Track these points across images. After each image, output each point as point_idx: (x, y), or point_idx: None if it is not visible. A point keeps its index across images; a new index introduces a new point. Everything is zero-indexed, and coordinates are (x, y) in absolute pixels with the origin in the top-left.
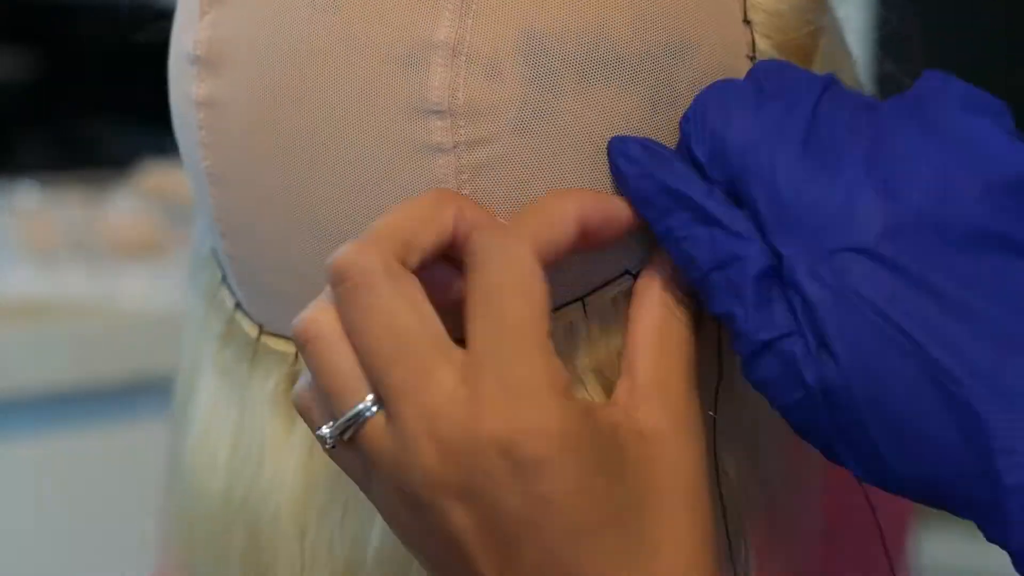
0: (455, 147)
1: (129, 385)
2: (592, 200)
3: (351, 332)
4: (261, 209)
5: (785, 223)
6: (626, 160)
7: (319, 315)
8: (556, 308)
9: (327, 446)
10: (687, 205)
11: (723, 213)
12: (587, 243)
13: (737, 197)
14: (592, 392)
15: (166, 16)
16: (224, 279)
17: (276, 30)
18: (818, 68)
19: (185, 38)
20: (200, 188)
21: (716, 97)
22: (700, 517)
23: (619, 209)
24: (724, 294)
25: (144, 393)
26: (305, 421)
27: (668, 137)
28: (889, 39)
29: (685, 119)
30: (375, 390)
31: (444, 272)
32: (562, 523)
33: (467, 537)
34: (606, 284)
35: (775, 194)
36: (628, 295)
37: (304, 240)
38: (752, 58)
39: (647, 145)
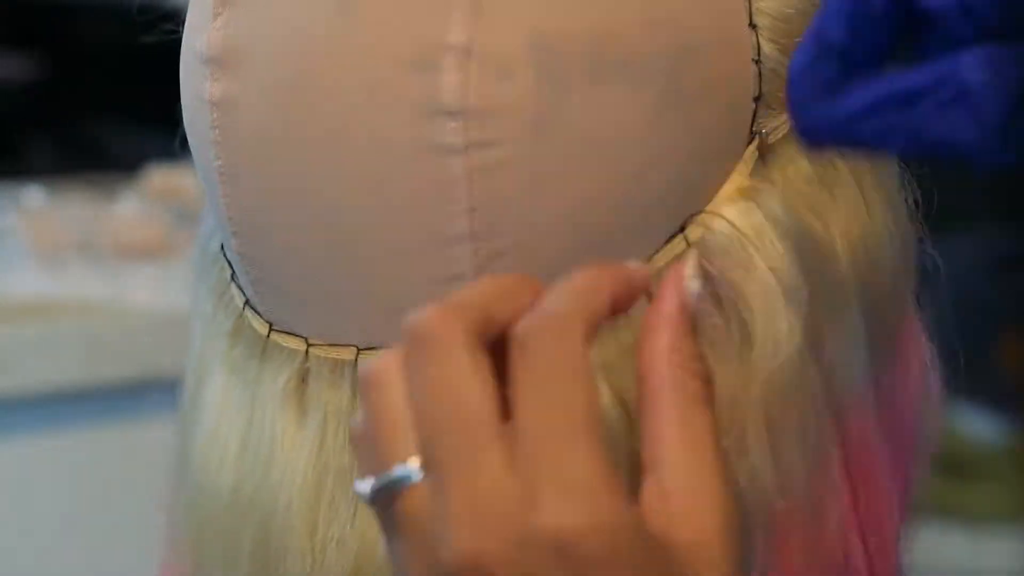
0: (467, 148)
1: (136, 385)
2: (619, 275)
3: (414, 395)
4: (274, 208)
5: None
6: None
7: (389, 365)
8: None
9: (363, 500)
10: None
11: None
12: (611, 316)
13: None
14: (600, 390)
15: (172, 18)
16: (233, 277)
17: (290, 31)
18: None
19: (197, 38)
20: (211, 187)
21: None
22: None
23: (641, 279)
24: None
25: (151, 392)
26: (354, 456)
27: (677, 139)
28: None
29: None
30: (423, 457)
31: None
32: None
33: None
34: None
35: None
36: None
37: (316, 239)
38: (757, 62)
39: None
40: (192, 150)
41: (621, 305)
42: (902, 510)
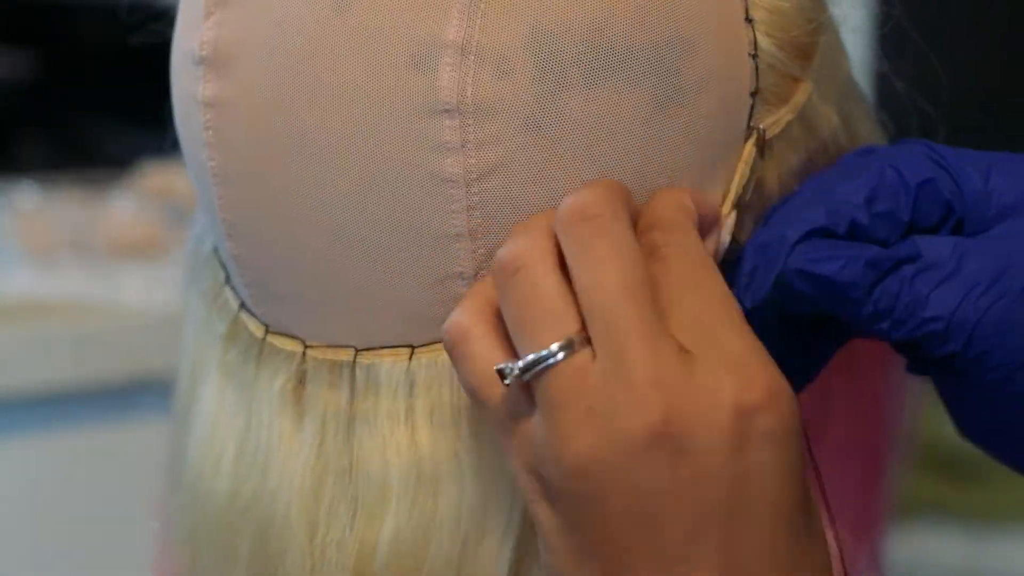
0: (464, 145)
1: (129, 384)
2: (698, 195)
3: (584, 269)
4: (269, 209)
5: None
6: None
7: (533, 246)
8: None
9: (505, 380)
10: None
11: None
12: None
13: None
14: None
15: (165, 16)
16: (228, 279)
17: (284, 30)
18: (816, 66)
19: (189, 39)
20: (204, 188)
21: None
22: None
23: (712, 205)
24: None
25: (144, 392)
26: (456, 354)
27: (675, 134)
28: (888, 38)
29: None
30: (586, 330)
31: None
32: (774, 504)
33: (667, 498)
34: None
35: None
36: None
37: (313, 240)
38: (754, 56)
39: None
40: (184, 151)
41: (703, 232)
42: (878, 514)
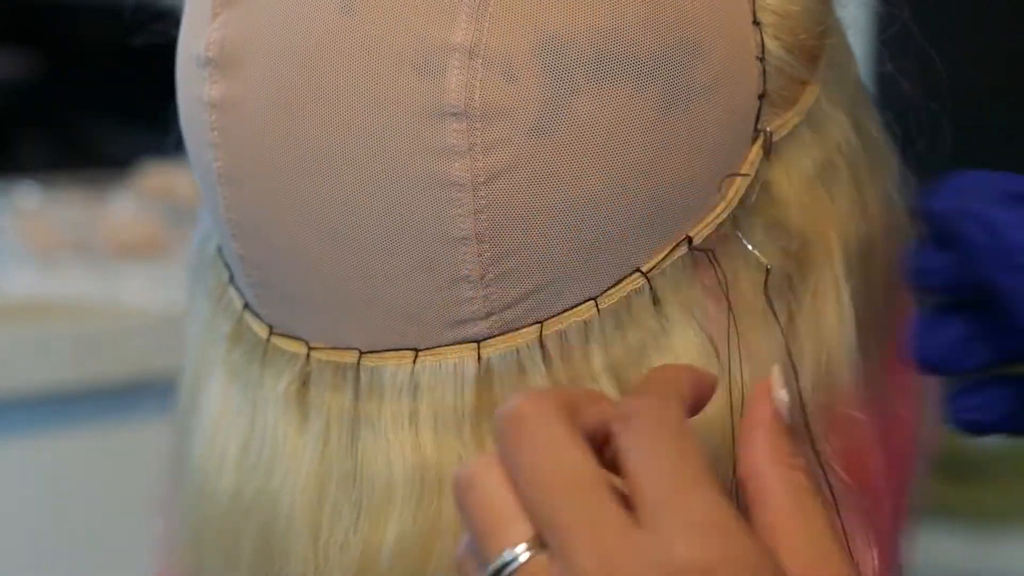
0: (471, 149)
1: (130, 384)
2: (692, 374)
3: (519, 472)
4: (274, 210)
5: None
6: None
7: (477, 463)
8: (568, 308)
9: None
10: None
11: None
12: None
13: None
14: (607, 391)
15: (167, 16)
16: (232, 280)
17: (290, 32)
18: (824, 68)
19: (195, 40)
20: (209, 189)
21: None
22: None
23: (709, 378)
24: None
25: (145, 392)
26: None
27: (682, 137)
28: (891, 39)
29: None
30: (539, 531)
31: None
32: None
33: None
34: (618, 282)
35: None
36: (640, 292)
37: (318, 241)
38: (761, 59)
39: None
40: (189, 152)
41: (699, 403)
42: (901, 514)
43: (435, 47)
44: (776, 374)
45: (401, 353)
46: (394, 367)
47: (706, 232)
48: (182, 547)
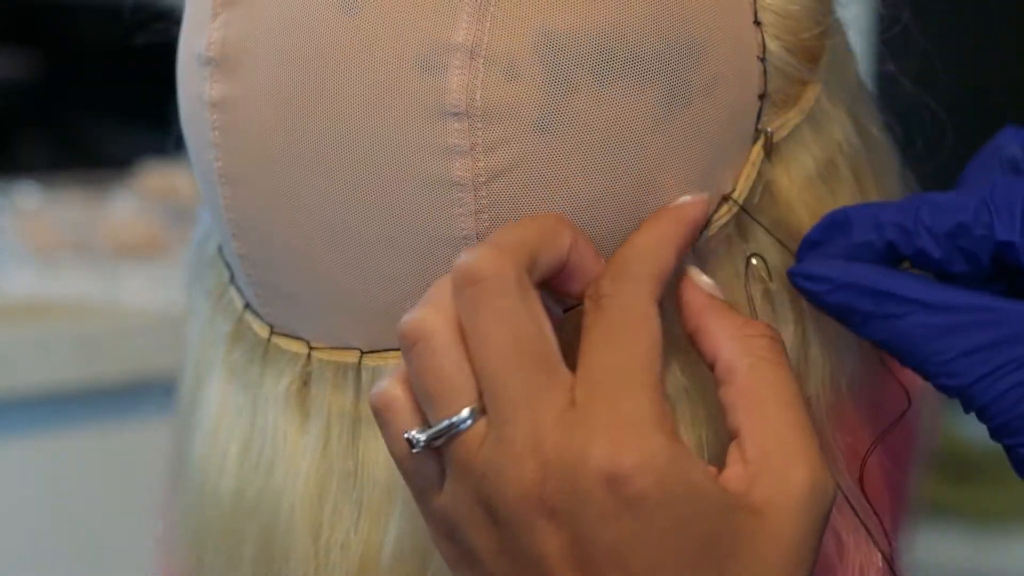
0: (472, 149)
1: (130, 384)
2: (679, 215)
3: (472, 335)
4: (276, 210)
5: None
6: (812, 281)
7: (433, 315)
8: (570, 308)
9: (413, 449)
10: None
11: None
12: (685, 250)
13: None
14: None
15: (167, 16)
16: (232, 279)
17: (292, 32)
18: (825, 68)
19: (196, 39)
20: (210, 188)
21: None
22: None
23: (699, 207)
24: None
25: (145, 392)
26: (380, 421)
27: (683, 137)
28: (893, 39)
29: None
30: (482, 398)
31: (543, 296)
32: (649, 563)
33: (549, 560)
34: None
35: None
36: None
37: (319, 241)
38: (762, 59)
39: (827, 260)
40: (190, 151)
41: (690, 240)
42: (901, 514)
43: (436, 47)
44: (691, 270)
45: (401, 353)
46: (395, 367)
47: (708, 233)
48: (182, 547)
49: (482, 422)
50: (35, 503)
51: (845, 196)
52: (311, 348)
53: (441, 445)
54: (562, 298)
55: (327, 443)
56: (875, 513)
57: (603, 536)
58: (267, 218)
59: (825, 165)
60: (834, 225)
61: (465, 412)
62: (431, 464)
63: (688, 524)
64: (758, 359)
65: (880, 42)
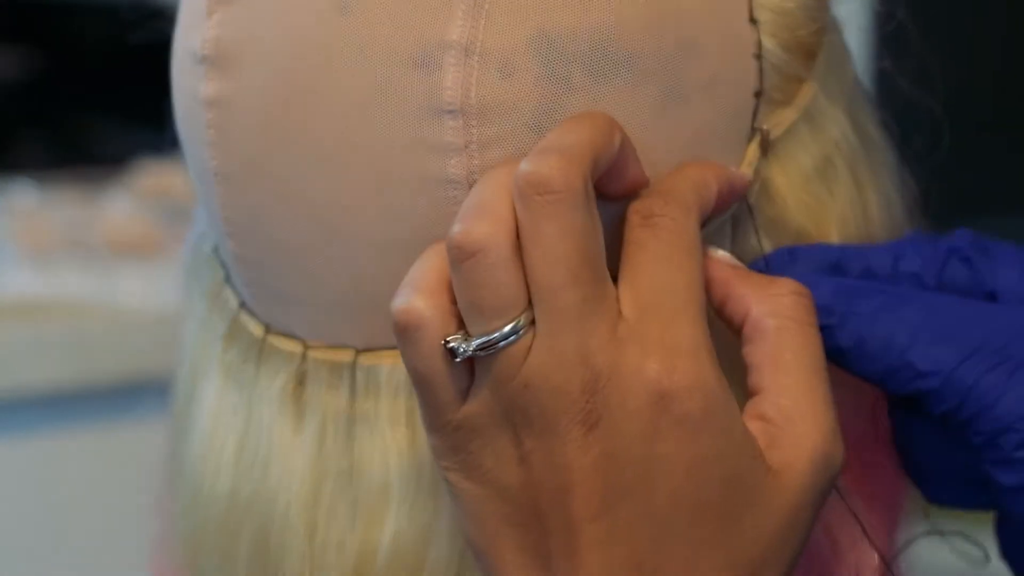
0: (467, 146)
1: (127, 384)
2: (725, 173)
3: (535, 246)
4: (271, 209)
5: None
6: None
7: (493, 228)
8: None
9: (456, 359)
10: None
11: None
12: (715, 213)
13: None
14: None
15: (163, 15)
16: (227, 279)
17: (287, 30)
18: (821, 66)
19: (191, 37)
20: (205, 187)
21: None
22: (796, 555)
23: (741, 180)
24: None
25: (142, 392)
26: (407, 337)
27: (677, 136)
28: (889, 37)
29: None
30: (532, 310)
31: None
32: (673, 492)
33: (573, 473)
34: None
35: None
36: None
37: (314, 240)
38: (758, 57)
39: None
40: (185, 150)
41: (724, 205)
42: (900, 514)
43: (431, 44)
44: (708, 250)
45: (397, 352)
46: (390, 366)
47: (708, 229)
48: (178, 547)
49: (531, 333)
50: (31, 503)
51: (842, 194)
52: (306, 347)
53: (485, 355)
54: (603, 197)
55: (322, 442)
56: (872, 512)
57: (638, 453)
58: (262, 217)
59: (822, 163)
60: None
61: (519, 322)
62: (462, 376)
63: (719, 460)
64: (785, 319)
65: (877, 39)
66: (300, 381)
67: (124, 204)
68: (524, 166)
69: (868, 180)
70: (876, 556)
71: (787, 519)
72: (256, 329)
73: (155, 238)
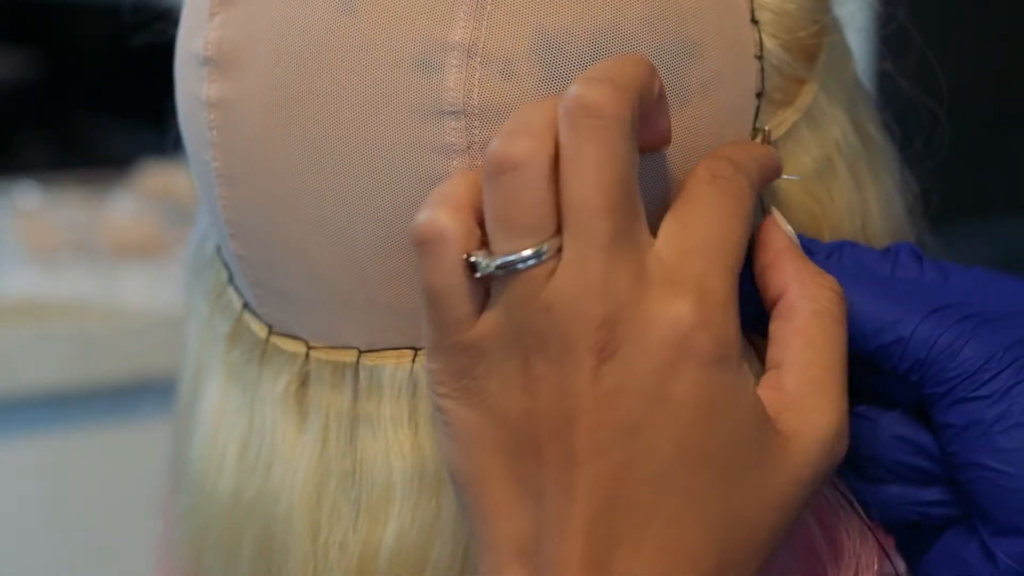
0: (469, 147)
1: (130, 385)
2: (768, 154)
3: (577, 169)
4: (274, 210)
5: None
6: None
7: (532, 144)
8: None
9: (477, 273)
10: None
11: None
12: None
13: None
14: None
15: (166, 16)
16: (231, 279)
17: (289, 32)
18: (822, 66)
19: (194, 39)
20: (208, 188)
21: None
22: (787, 531)
23: (778, 164)
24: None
25: (145, 393)
26: (427, 251)
27: (680, 136)
28: (890, 38)
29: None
30: (566, 232)
31: None
32: (679, 439)
33: (586, 403)
34: None
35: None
36: None
37: (317, 241)
38: (759, 58)
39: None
40: (187, 151)
41: (766, 180)
42: None
43: (434, 46)
44: (776, 213)
45: (400, 352)
46: (393, 366)
47: None
48: (182, 547)
49: (556, 259)
50: (34, 503)
51: (842, 195)
52: (309, 348)
53: (505, 275)
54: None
55: (325, 443)
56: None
57: (651, 392)
58: (265, 218)
59: (822, 163)
60: None
61: (545, 247)
62: (478, 296)
63: (729, 412)
64: (823, 308)
65: (878, 40)
66: (303, 382)
67: (128, 205)
68: (573, 89)
69: (868, 180)
70: (876, 559)
71: (788, 488)
72: (259, 330)
73: (158, 239)
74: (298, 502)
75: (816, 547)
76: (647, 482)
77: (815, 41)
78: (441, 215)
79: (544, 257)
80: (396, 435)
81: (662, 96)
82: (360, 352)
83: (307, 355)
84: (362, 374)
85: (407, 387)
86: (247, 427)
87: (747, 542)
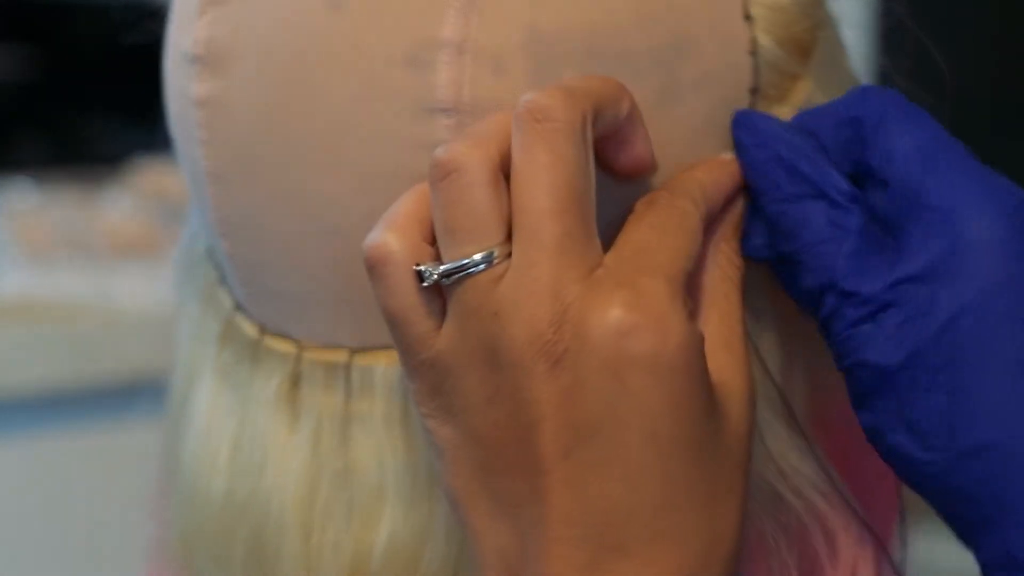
0: None
1: (124, 384)
2: (735, 176)
3: (524, 171)
4: (265, 209)
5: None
6: (747, 131)
7: (473, 148)
8: None
9: (424, 283)
10: (801, 178)
11: (837, 189)
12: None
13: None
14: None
15: (160, 15)
16: (222, 279)
17: (278, 29)
18: (816, 62)
19: (183, 37)
20: (198, 187)
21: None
22: (743, 496)
23: (733, 175)
24: (824, 263)
25: (139, 392)
26: (379, 273)
27: (673, 132)
28: (889, 34)
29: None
30: (510, 240)
31: None
32: (646, 430)
33: (545, 408)
34: None
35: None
36: None
37: (307, 239)
38: (753, 54)
39: (768, 118)
40: (177, 149)
41: (715, 196)
42: (897, 515)
43: (424, 42)
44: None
45: (392, 352)
46: (385, 366)
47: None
48: (175, 548)
49: (504, 264)
50: (28, 503)
51: None
52: (301, 348)
53: (454, 283)
54: (605, 168)
55: (317, 443)
56: (869, 512)
57: (606, 389)
58: (256, 217)
59: None
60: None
61: (493, 252)
62: (434, 307)
63: (691, 398)
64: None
65: (875, 37)
66: (295, 382)
67: (122, 204)
68: (525, 97)
69: None
70: (873, 558)
71: (737, 447)
72: (251, 330)
73: (153, 238)
74: (291, 502)
75: (815, 547)
76: (620, 479)
77: (809, 37)
78: (386, 236)
79: (491, 264)
80: (388, 435)
81: (634, 119)
82: (352, 352)
83: (299, 355)
84: (354, 374)
85: (399, 387)
86: (239, 428)
87: (728, 514)
